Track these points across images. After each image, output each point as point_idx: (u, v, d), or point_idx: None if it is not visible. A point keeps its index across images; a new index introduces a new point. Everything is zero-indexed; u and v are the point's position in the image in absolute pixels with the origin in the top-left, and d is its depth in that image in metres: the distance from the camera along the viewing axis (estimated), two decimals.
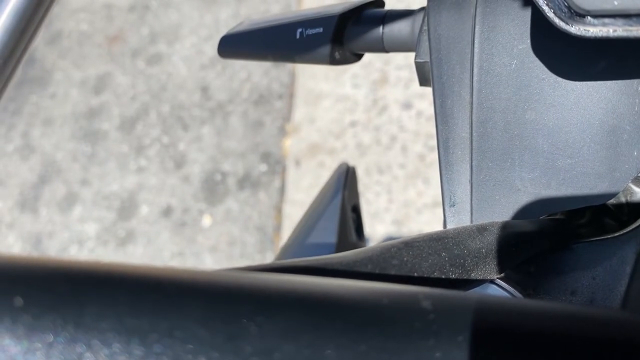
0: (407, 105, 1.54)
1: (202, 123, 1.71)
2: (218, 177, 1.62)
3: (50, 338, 0.13)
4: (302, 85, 1.66)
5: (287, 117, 1.65)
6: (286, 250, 0.59)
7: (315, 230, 0.56)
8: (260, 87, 1.71)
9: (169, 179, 1.66)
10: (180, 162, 1.67)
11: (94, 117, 1.81)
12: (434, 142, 1.44)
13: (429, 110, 1.51)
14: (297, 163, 1.56)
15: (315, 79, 1.65)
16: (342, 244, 0.55)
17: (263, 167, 1.61)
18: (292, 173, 1.56)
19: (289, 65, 1.71)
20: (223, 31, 1.91)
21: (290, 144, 1.60)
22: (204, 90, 1.76)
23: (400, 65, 1.59)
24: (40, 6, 0.25)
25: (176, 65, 1.82)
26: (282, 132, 1.64)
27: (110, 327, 0.13)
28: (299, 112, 1.63)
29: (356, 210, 0.60)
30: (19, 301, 0.13)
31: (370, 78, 1.61)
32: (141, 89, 1.81)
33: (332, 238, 0.54)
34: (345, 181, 0.58)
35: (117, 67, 1.87)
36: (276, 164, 1.60)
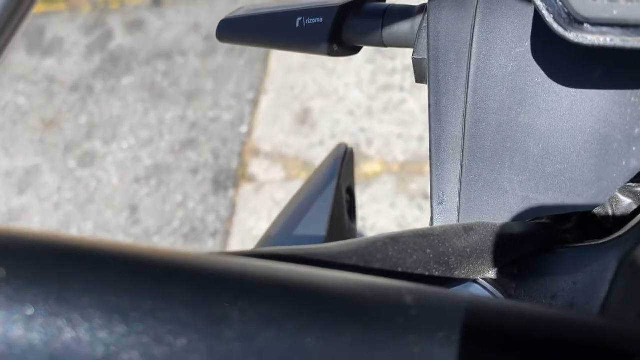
0: None
1: None
2: None
3: (31, 311, 0.13)
4: (241, 221, 1.46)
5: None
6: (275, 229, 0.59)
7: (309, 208, 0.56)
8: (195, 216, 1.51)
9: None
10: None
11: (11, 223, 1.60)
12: None
13: None
14: None
15: (256, 215, 1.45)
16: (334, 227, 0.55)
17: None
18: None
19: (230, 195, 1.51)
20: (166, 136, 1.66)
21: None
22: (133, 210, 1.56)
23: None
24: (18, 10, 0.25)
25: (108, 171, 1.63)
26: None
27: (92, 304, 0.13)
28: None
29: (350, 192, 0.60)
30: (1, 272, 0.13)
31: None
32: (67, 195, 1.62)
33: (324, 217, 0.54)
34: (343, 162, 0.58)
35: (46, 161, 1.69)
36: None
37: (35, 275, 0.13)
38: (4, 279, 0.13)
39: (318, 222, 0.54)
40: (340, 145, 0.61)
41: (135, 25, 1.88)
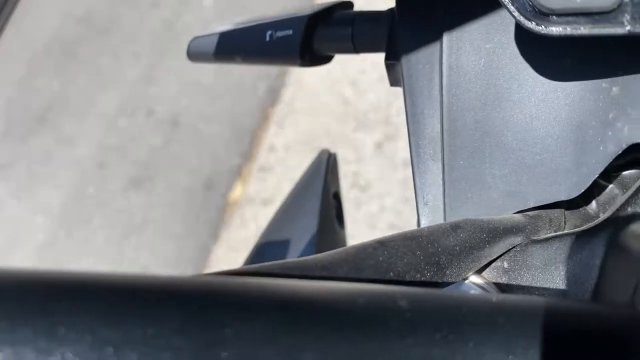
0: None
1: None
2: None
3: (21, 351, 0.13)
4: None
5: None
6: (265, 238, 0.59)
7: (297, 216, 0.56)
8: None
9: None
10: None
11: None
12: None
13: None
14: None
15: None
16: (324, 232, 0.54)
17: None
18: None
19: None
20: None
21: None
22: None
23: None
24: None
25: None
26: None
27: (83, 338, 0.13)
28: None
29: (337, 197, 0.60)
30: None
31: None
32: None
33: (313, 225, 0.54)
34: (327, 168, 0.58)
35: None
36: None
37: (22, 315, 0.13)
38: None
39: (307, 230, 0.54)
40: (323, 152, 0.61)
41: None
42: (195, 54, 0.45)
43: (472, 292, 0.26)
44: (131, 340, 0.13)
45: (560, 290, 0.27)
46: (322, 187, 0.56)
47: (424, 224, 0.31)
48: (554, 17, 0.26)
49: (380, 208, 1.42)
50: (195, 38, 0.45)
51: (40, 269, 0.14)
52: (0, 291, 0.13)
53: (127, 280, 0.14)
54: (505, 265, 0.27)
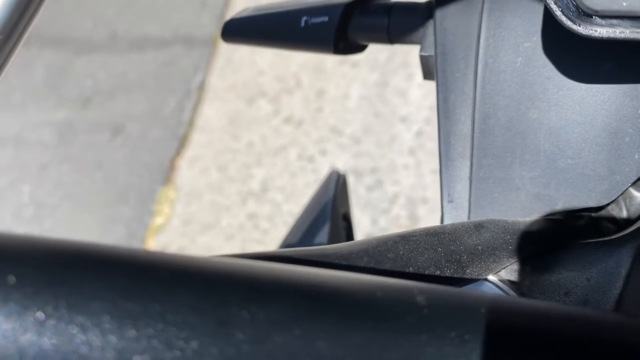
0: None
1: None
2: None
3: (42, 316, 0.13)
4: None
5: None
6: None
7: (306, 238, 0.55)
8: None
9: None
10: None
11: None
12: None
13: None
14: None
15: None
16: None
17: None
18: None
19: None
20: None
21: None
22: None
23: None
24: None
25: None
26: None
27: (102, 308, 0.13)
28: None
29: (347, 218, 0.59)
30: (11, 279, 0.13)
31: None
32: None
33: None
34: (336, 189, 0.57)
35: None
36: None
37: (45, 282, 0.13)
38: (14, 285, 0.13)
39: None
40: (332, 172, 0.61)
41: None
42: (229, 35, 0.45)
43: (491, 293, 0.26)
44: (149, 313, 0.13)
45: (582, 297, 0.27)
46: (331, 209, 0.55)
47: (447, 221, 0.31)
48: (598, 18, 0.25)
49: None
50: (231, 19, 0.45)
51: (66, 239, 0.15)
52: (28, 258, 0.14)
53: (148, 257, 0.15)
54: (528, 268, 0.27)
